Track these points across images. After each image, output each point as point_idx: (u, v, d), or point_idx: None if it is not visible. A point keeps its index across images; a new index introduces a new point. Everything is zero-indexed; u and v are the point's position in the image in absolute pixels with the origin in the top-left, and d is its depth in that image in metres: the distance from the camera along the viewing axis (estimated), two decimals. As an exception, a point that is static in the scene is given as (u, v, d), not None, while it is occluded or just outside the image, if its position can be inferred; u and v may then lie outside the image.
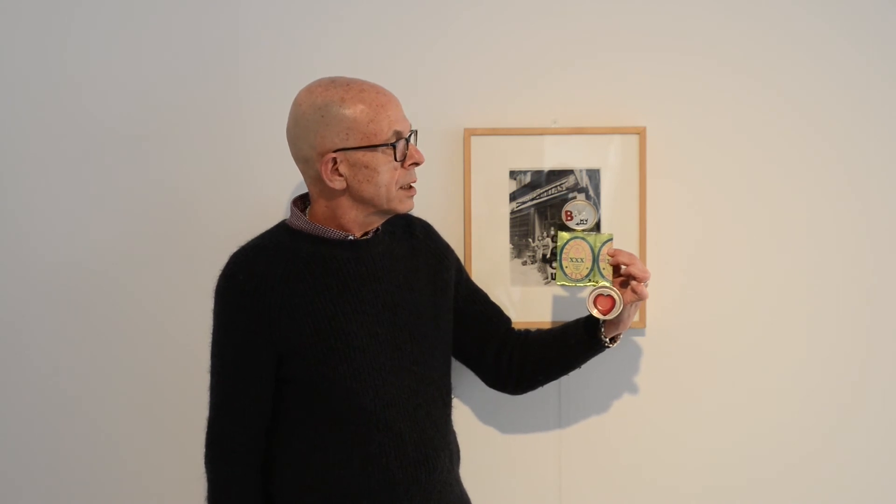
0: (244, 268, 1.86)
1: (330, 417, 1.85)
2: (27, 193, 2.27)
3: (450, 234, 2.22)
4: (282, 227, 1.96)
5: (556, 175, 2.21)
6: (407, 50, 2.24)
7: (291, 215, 1.95)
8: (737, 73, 2.23)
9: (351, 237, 1.93)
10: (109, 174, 2.27)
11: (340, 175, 1.86)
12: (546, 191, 2.21)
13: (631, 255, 1.98)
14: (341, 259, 1.90)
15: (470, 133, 2.21)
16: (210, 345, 1.92)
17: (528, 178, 2.22)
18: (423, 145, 2.22)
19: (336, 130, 1.84)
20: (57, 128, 2.26)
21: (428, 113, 2.23)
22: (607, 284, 1.97)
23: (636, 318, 2.21)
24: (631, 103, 2.23)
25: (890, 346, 2.26)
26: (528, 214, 2.22)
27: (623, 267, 1.99)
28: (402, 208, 1.91)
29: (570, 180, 2.21)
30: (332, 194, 1.89)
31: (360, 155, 1.85)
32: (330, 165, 1.86)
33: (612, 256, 1.99)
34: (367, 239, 1.95)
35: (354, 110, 1.84)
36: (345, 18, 2.24)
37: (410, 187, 1.92)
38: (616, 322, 2.00)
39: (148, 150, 2.26)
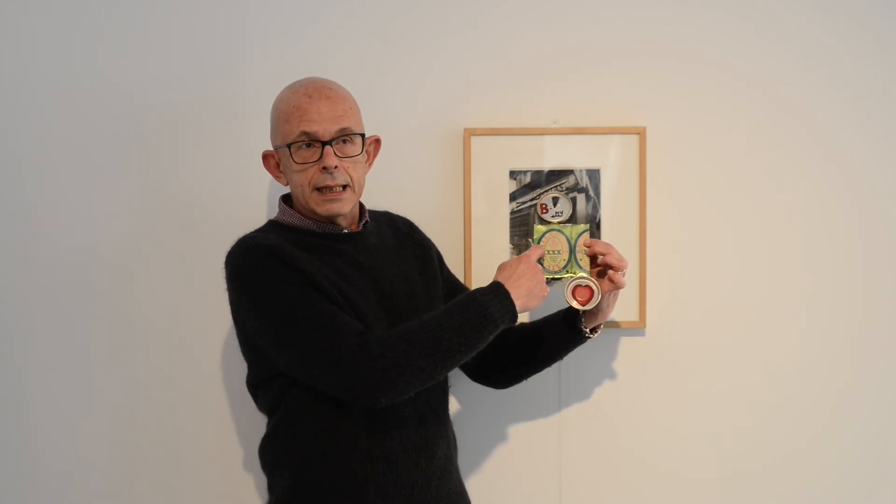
0: (262, 240, 1.86)
1: (338, 400, 1.84)
2: (39, 189, 2.28)
3: (450, 234, 2.23)
4: (273, 224, 1.97)
5: (556, 175, 2.21)
6: (408, 51, 2.25)
7: (281, 213, 1.97)
8: (736, 75, 2.24)
9: (346, 230, 1.93)
10: (122, 172, 2.27)
11: (282, 172, 1.95)
12: (546, 191, 2.22)
13: (607, 244, 1.99)
14: (339, 250, 1.91)
15: (470, 133, 2.22)
16: (272, 320, 1.80)
17: (528, 178, 2.22)
18: (423, 145, 2.24)
19: (272, 128, 1.94)
20: (71, 127, 2.27)
21: (428, 113, 2.24)
22: (585, 275, 1.98)
23: (636, 316, 2.22)
24: (631, 103, 2.23)
25: (885, 342, 2.27)
26: (528, 214, 2.22)
27: (600, 257, 1.99)
28: (320, 210, 1.90)
29: (570, 180, 2.22)
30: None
31: (280, 154, 1.93)
32: (272, 161, 1.96)
33: (589, 247, 1.99)
34: (360, 231, 1.96)
35: (279, 109, 1.92)
36: (347, 20, 2.25)
37: (331, 190, 1.89)
38: (595, 312, 2.00)
39: (161, 149, 2.26)
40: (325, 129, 1.87)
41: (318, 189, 1.89)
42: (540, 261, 1.92)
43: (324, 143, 1.87)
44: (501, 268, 1.89)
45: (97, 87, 2.26)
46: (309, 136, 1.87)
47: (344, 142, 1.90)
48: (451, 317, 1.79)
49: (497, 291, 1.82)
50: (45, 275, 2.28)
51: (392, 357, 1.74)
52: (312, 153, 1.88)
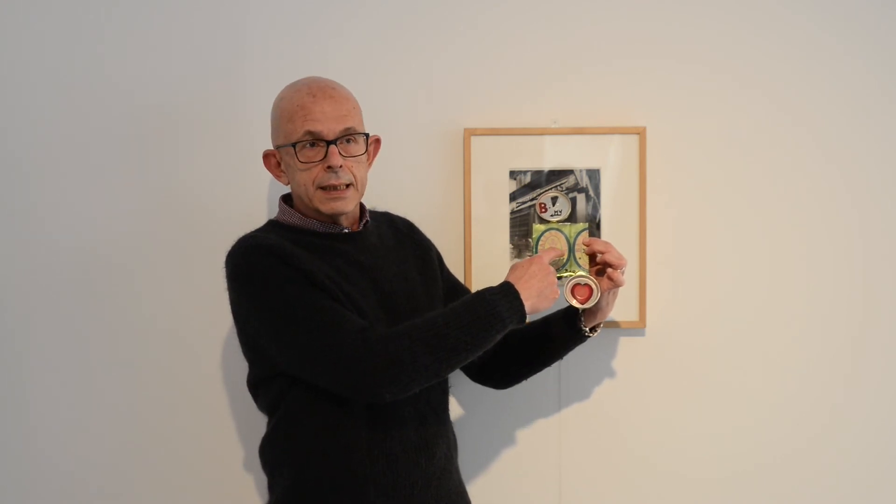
0: (263, 239, 1.86)
1: (339, 398, 1.83)
2: (39, 189, 2.28)
3: (450, 234, 2.23)
4: (273, 224, 1.97)
5: (556, 175, 2.21)
6: (408, 51, 2.25)
7: (281, 212, 1.97)
8: (736, 75, 2.24)
9: (346, 230, 1.94)
10: (122, 172, 2.27)
11: (283, 171, 1.94)
12: (546, 191, 2.22)
13: (606, 243, 1.99)
14: (340, 249, 1.91)
15: (470, 133, 2.22)
16: (273, 320, 1.81)
17: (528, 178, 2.22)
18: (423, 145, 2.24)
19: (274, 127, 1.94)
20: (71, 127, 2.27)
21: (428, 113, 2.24)
22: (584, 273, 1.98)
23: (636, 316, 2.22)
24: (631, 103, 2.24)
25: (885, 342, 2.27)
26: (528, 214, 2.22)
27: (599, 255, 1.99)
28: (324, 209, 1.90)
29: (570, 180, 2.22)
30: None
31: (283, 153, 1.92)
32: (273, 161, 1.95)
33: (588, 245, 1.99)
34: (360, 231, 1.96)
35: (281, 108, 1.91)
36: (347, 20, 2.25)
37: (335, 189, 1.89)
38: (595, 311, 2.00)
39: (161, 149, 2.27)
40: (329, 129, 1.88)
41: (323, 187, 1.89)
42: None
43: (328, 143, 1.87)
44: (513, 268, 1.89)
45: (97, 87, 2.26)
46: (314, 135, 1.87)
47: (348, 141, 1.90)
48: (457, 315, 1.79)
49: (506, 291, 1.82)
50: (45, 275, 2.28)
51: (395, 353, 1.74)
52: (317, 152, 1.88)
